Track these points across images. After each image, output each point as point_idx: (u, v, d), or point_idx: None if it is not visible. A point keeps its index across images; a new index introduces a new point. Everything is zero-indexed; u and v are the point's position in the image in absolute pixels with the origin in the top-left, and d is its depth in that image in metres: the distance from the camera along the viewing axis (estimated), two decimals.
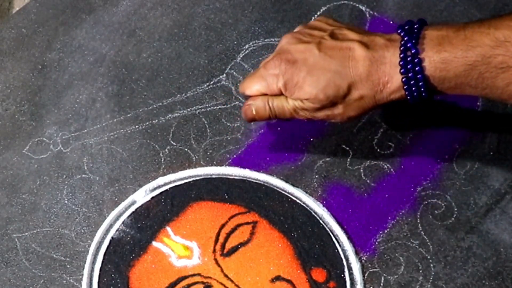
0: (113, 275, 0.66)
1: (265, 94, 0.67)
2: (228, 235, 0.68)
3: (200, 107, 0.77)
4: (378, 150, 0.74)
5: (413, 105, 0.63)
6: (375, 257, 0.68)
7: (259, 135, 0.75)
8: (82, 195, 0.71)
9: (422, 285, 0.66)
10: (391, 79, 0.61)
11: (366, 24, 0.82)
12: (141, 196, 0.71)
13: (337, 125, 0.74)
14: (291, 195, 0.71)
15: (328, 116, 0.65)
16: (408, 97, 0.62)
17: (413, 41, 0.60)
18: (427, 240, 0.69)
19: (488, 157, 0.74)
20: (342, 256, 0.67)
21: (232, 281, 0.66)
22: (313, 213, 0.70)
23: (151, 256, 0.67)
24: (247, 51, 0.81)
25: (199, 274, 0.66)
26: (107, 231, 0.69)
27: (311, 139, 0.75)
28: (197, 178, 0.72)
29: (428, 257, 0.68)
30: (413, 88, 0.61)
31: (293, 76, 0.64)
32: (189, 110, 0.77)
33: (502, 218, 0.70)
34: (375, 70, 0.61)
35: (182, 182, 0.72)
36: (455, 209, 0.70)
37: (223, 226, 0.69)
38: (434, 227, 0.69)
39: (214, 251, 0.67)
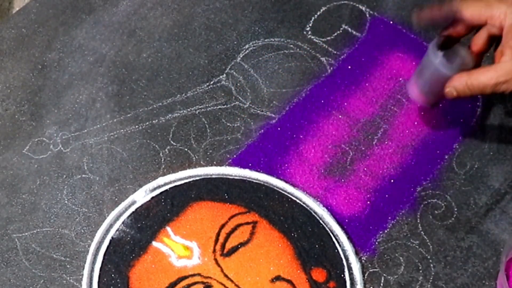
0: (113, 275, 0.66)
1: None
2: (228, 235, 0.68)
3: (200, 107, 0.77)
4: (378, 150, 0.74)
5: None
6: (375, 257, 0.68)
7: (259, 135, 0.75)
8: (82, 195, 0.71)
9: (422, 285, 0.66)
10: None
11: (366, 24, 0.83)
12: (141, 196, 0.71)
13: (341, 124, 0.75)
14: (291, 195, 0.71)
15: None
16: None
17: None
18: (427, 240, 0.69)
19: (488, 157, 0.74)
20: (342, 256, 0.67)
21: (232, 281, 0.66)
22: (313, 213, 0.70)
23: (151, 256, 0.67)
24: (247, 51, 0.81)
25: (199, 274, 0.66)
26: (107, 231, 0.69)
27: (311, 139, 0.75)
28: (197, 178, 0.72)
29: (428, 257, 0.68)
30: None
31: None
32: (189, 110, 0.77)
33: (502, 218, 0.70)
34: None
35: (182, 182, 0.72)
36: (455, 209, 0.70)
37: (223, 226, 0.69)
38: (434, 227, 0.69)
39: (214, 251, 0.67)
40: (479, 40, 0.68)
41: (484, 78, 0.64)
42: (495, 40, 0.67)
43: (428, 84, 0.69)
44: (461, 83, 0.65)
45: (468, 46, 0.68)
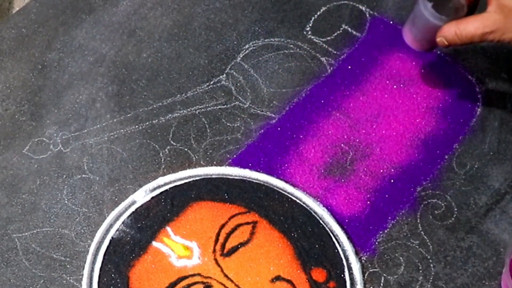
0: (113, 275, 0.66)
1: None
2: (228, 235, 0.68)
3: (200, 107, 0.77)
4: (378, 150, 0.74)
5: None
6: (375, 257, 0.68)
7: (259, 135, 0.75)
8: (82, 195, 0.71)
9: (422, 285, 0.66)
10: None
11: (366, 24, 0.83)
12: (141, 196, 0.71)
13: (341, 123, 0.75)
14: (291, 195, 0.71)
15: None
16: None
17: None
18: (427, 240, 0.69)
19: (488, 157, 0.74)
20: (342, 256, 0.67)
21: (232, 281, 0.66)
22: (313, 213, 0.70)
23: (151, 256, 0.67)
24: (247, 51, 0.81)
25: (199, 274, 0.66)
26: (107, 231, 0.69)
27: (311, 139, 0.75)
28: (197, 178, 0.72)
29: (428, 257, 0.68)
30: None
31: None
32: (189, 110, 0.77)
33: (502, 218, 0.70)
34: None
35: (182, 182, 0.72)
36: (455, 209, 0.70)
37: (223, 226, 0.69)
38: (434, 227, 0.69)
39: (214, 251, 0.67)
40: None
41: (471, 27, 0.65)
42: None
43: (420, 32, 0.71)
44: (451, 32, 0.66)
45: None
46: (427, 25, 0.69)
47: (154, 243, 0.68)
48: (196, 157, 0.73)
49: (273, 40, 0.82)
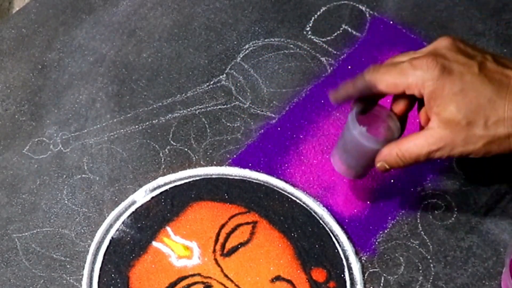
0: (113, 275, 0.66)
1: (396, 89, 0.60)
2: (228, 235, 0.68)
3: (200, 107, 0.77)
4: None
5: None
6: (375, 257, 0.68)
7: (259, 135, 0.75)
8: (82, 195, 0.71)
9: (422, 285, 0.66)
10: None
11: (366, 24, 0.83)
12: (141, 196, 0.71)
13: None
14: (291, 195, 0.71)
15: (463, 153, 0.58)
16: None
17: None
18: (427, 240, 0.69)
19: (488, 157, 0.73)
20: (342, 256, 0.67)
21: (232, 281, 0.66)
22: (313, 213, 0.70)
23: (151, 256, 0.67)
24: (247, 51, 0.81)
25: (199, 274, 0.66)
26: (107, 231, 0.69)
27: (311, 139, 0.75)
28: (197, 178, 0.72)
29: (428, 257, 0.68)
30: None
31: (444, 88, 0.57)
32: (189, 110, 0.77)
33: (502, 218, 0.70)
34: None
35: (182, 182, 0.72)
36: (455, 209, 0.70)
37: (223, 226, 0.69)
38: (434, 227, 0.69)
39: (214, 251, 0.67)
40: (400, 102, 0.63)
41: (415, 148, 0.59)
42: (416, 99, 0.62)
43: (354, 159, 0.64)
44: (392, 155, 0.60)
45: (390, 109, 0.64)
46: (362, 150, 0.62)
47: (154, 243, 0.68)
48: (196, 157, 0.73)
49: (273, 40, 0.82)
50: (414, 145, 0.59)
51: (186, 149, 0.74)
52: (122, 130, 0.75)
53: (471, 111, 0.56)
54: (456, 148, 0.58)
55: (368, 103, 0.63)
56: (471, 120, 0.57)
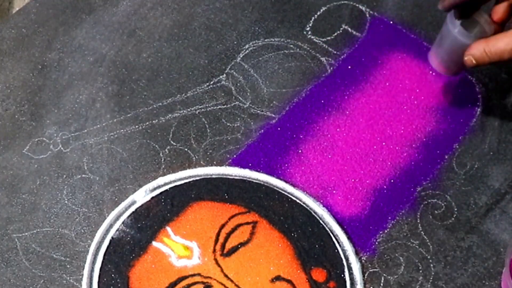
0: (113, 275, 0.66)
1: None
2: (228, 235, 0.68)
3: (200, 107, 0.77)
4: (378, 150, 0.74)
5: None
6: (375, 257, 0.68)
7: (259, 135, 0.75)
8: (82, 195, 0.71)
9: (422, 285, 0.66)
10: None
11: (366, 24, 0.83)
12: (141, 196, 0.71)
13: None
14: (291, 195, 0.71)
15: None
16: None
17: None
18: (427, 240, 0.69)
19: (488, 157, 0.74)
20: (342, 256, 0.67)
21: (232, 281, 0.66)
22: (313, 213, 0.70)
23: (151, 256, 0.67)
24: (247, 51, 0.81)
25: (199, 274, 0.66)
26: (107, 231, 0.69)
27: (311, 139, 0.75)
28: (197, 178, 0.72)
29: (428, 257, 0.68)
30: None
31: None
32: (189, 110, 0.77)
33: (502, 218, 0.70)
34: None
35: (182, 182, 0.72)
36: (455, 209, 0.70)
37: (223, 226, 0.69)
38: (434, 227, 0.69)
39: (214, 251, 0.67)
40: (500, 9, 0.68)
41: (501, 43, 0.63)
42: None
43: (447, 54, 0.70)
44: (479, 50, 0.65)
45: (489, 15, 0.68)
46: (455, 44, 0.68)
47: (154, 243, 0.68)
48: (196, 157, 0.73)
49: (273, 40, 0.82)
50: (501, 41, 0.64)
51: (186, 149, 0.74)
52: (122, 130, 0.75)
53: None
54: None
55: (470, 8, 0.68)
56: None
